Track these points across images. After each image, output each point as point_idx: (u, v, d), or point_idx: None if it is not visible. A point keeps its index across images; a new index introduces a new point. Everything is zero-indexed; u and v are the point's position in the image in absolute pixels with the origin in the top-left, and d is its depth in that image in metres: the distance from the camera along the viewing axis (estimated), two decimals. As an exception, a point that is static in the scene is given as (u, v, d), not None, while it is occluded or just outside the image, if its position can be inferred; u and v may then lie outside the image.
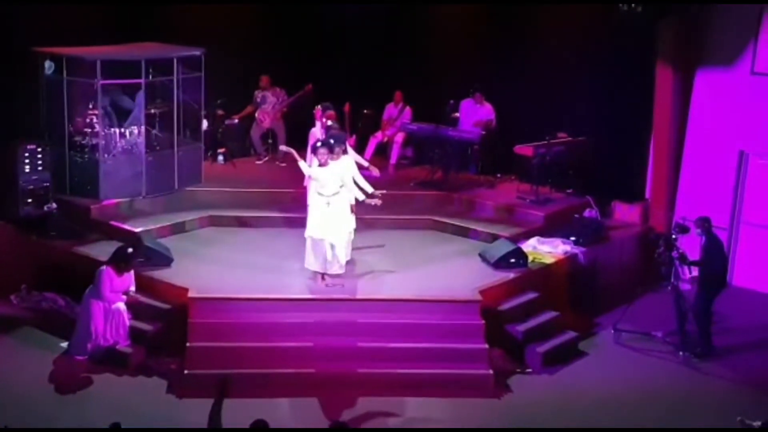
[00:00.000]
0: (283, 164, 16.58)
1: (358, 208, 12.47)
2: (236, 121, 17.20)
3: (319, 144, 11.87)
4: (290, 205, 14.28)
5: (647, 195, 15.49)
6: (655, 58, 14.95)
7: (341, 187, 11.93)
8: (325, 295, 11.87)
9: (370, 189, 12.50)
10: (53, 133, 14.28)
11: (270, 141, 17.10)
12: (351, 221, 12.36)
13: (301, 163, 12.13)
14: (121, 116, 14.55)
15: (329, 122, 13.17)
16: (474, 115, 16.25)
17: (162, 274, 12.26)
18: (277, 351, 11.29)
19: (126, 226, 13.45)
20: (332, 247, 11.92)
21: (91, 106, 14.20)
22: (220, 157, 16.67)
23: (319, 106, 13.83)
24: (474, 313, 11.78)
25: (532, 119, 15.49)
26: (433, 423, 10.65)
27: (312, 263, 12.10)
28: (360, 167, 12.97)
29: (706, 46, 14.83)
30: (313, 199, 12.04)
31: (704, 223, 12.59)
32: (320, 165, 11.81)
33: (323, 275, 12.05)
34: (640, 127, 15.36)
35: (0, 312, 12.57)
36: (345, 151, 12.28)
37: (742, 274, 14.78)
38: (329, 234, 11.86)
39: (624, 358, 12.40)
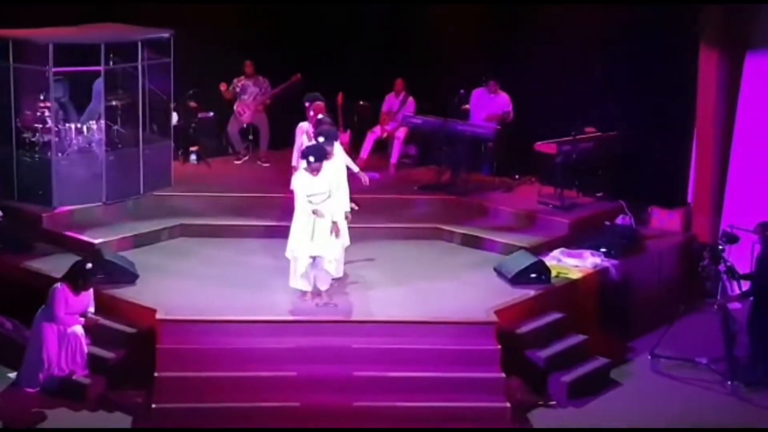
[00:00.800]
0: (266, 164, 16.64)
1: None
2: (211, 114, 17.26)
3: (312, 159, 11.80)
4: (275, 212, 14.30)
5: (689, 199, 15.51)
6: (697, 40, 15.00)
7: (334, 190, 12.00)
8: (315, 316, 11.89)
9: None
10: (-2, 128, 14.37)
11: (251, 137, 17.15)
12: (344, 231, 12.40)
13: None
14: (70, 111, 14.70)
15: (319, 115, 13.21)
16: (487, 106, 16.29)
17: (125, 293, 12.29)
18: (259, 381, 11.31)
19: (83, 237, 13.49)
20: (321, 260, 11.97)
21: (42, 98, 14.25)
22: (193, 157, 16.72)
23: (306, 99, 13.85)
24: (488, 336, 11.79)
25: (555, 111, 15.52)
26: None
27: (298, 282, 12.15)
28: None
29: (757, 24, 14.83)
30: (299, 206, 12.05)
31: (765, 230, 12.57)
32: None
33: (312, 293, 12.10)
34: (681, 121, 15.38)
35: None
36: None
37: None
38: (317, 246, 11.90)
39: (663, 389, 12.41)
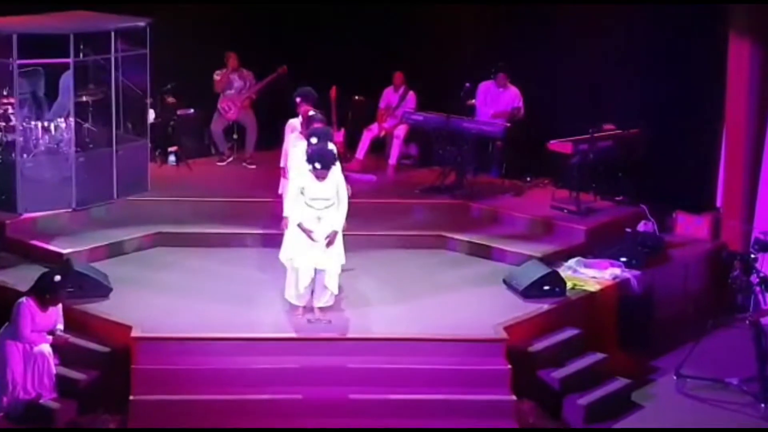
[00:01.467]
0: (253, 166, 16.64)
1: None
2: (192, 110, 17.26)
3: (318, 165, 11.72)
4: (262, 220, 14.31)
5: (718, 203, 15.54)
6: (727, 29, 15.00)
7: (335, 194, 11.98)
8: (308, 333, 11.90)
9: None
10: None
11: (235, 136, 17.15)
12: (339, 240, 12.40)
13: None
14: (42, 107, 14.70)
15: (310, 112, 13.23)
16: (496, 101, 16.31)
17: (98, 308, 12.28)
18: (245, 405, 11.32)
19: (51, 247, 13.50)
20: (323, 275, 11.98)
21: (5, 93, 14.27)
22: (172, 158, 16.70)
23: (297, 94, 13.84)
24: (497, 355, 11.82)
25: (570, 107, 15.56)
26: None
27: (294, 295, 12.16)
28: None
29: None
30: (297, 213, 12.02)
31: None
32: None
33: (306, 308, 12.11)
34: (710, 117, 15.39)
35: None
36: None
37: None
38: (320, 257, 11.89)
39: (690, 412, 12.41)
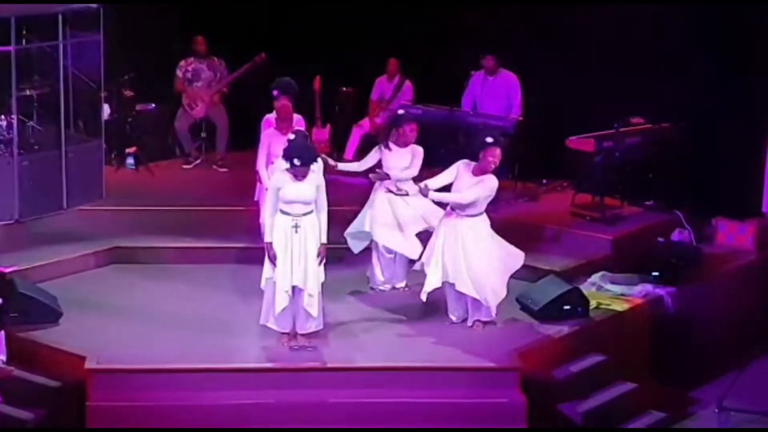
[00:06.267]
0: (224, 169, 16.67)
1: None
2: (153, 105, 17.28)
3: (297, 162, 11.79)
4: (235, 232, 14.34)
5: (764, 208, 15.59)
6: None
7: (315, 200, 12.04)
8: (289, 363, 11.91)
9: None
10: None
11: (204, 135, 17.19)
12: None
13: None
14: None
15: (290, 135, 13.27)
16: (485, 93, 16.29)
17: (46, 336, 12.31)
18: (218, 447, 11.39)
19: (-9, 265, 13.55)
20: (303, 294, 12.01)
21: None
22: (130, 160, 16.74)
23: (275, 86, 13.89)
24: (511, 386, 11.83)
25: (592, 97, 15.61)
26: None
27: (271, 319, 12.17)
28: None
29: None
30: (269, 222, 12.08)
31: None
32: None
33: (289, 334, 12.15)
34: (754, 108, 15.43)
35: None
36: None
37: None
38: (299, 274, 11.91)
39: (734, 451, 12.49)
